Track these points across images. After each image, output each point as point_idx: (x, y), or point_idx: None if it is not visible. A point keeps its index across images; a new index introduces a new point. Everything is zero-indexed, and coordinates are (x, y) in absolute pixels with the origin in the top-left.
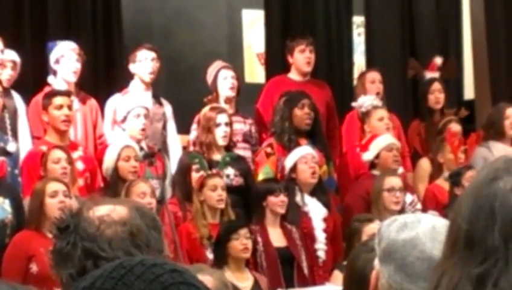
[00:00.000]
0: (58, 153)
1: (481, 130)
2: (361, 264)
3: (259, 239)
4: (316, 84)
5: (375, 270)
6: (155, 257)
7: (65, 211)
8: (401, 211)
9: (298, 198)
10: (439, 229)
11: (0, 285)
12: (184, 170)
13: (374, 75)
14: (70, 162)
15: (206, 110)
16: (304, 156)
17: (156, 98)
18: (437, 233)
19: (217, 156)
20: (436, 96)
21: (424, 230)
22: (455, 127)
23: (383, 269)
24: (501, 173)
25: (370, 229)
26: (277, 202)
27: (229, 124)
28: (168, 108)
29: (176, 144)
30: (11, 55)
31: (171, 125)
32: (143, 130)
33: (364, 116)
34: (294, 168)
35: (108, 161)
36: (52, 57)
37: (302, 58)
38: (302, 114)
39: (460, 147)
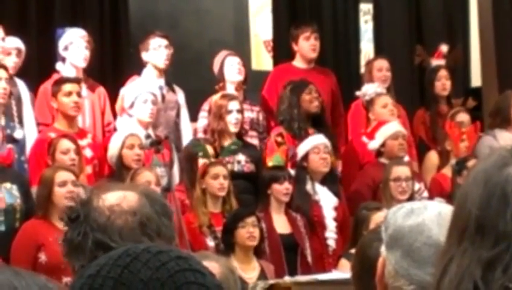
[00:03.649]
0: (66, 144)
1: (488, 117)
2: (373, 253)
3: (264, 226)
4: (321, 71)
5: (381, 257)
6: (165, 244)
7: (75, 200)
8: (410, 199)
9: (309, 187)
10: (445, 216)
11: (4, 271)
12: (191, 157)
13: (382, 63)
14: (79, 152)
15: (217, 97)
16: (316, 146)
17: (169, 85)
18: (443, 219)
19: (228, 143)
20: (443, 82)
21: (430, 216)
22: (463, 117)
23: (390, 256)
24: (509, 160)
25: (378, 217)
26: (281, 189)
27: (241, 111)
28: (180, 95)
29: (188, 131)
30: (15, 42)
31: (184, 113)
32: (151, 114)
33: (369, 104)
34: (306, 157)
35: (113, 149)
36: (61, 44)
37: (307, 45)
38: (310, 98)
39: (462, 137)
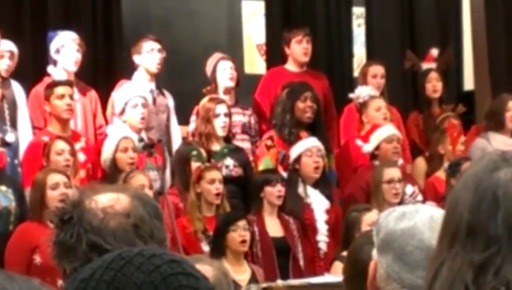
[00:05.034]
0: (61, 145)
1: (482, 121)
2: (364, 256)
3: (256, 229)
4: (313, 75)
5: (373, 261)
6: (158, 247)
7: (66, 201)
8: (401, 202)
9: (301, 189)
10: (437, 219)
11: None
12: (183, 160)
13: (377, 70)
14: (73, 153)
15: (205, 101)
16: (309, 149)
17: (159, 89)
18: (435, 223)
19: (215, 147)
20: (434, 84)
21: (422, 220)
22: (455, 122)
23: (381, 259)
24: (500, 164)
25: (369, 218)
26: (274, 192)
27: (228, 114)
28: (170, 99)
29: (177, 135)
30: (8, 45)
31: (173, 117)
32: (142, 118)
33: (362, 106)
34: (298, 159)
35: (106, 153)
36: (53, 47)
37: (299, 48)
38: (304, 107)
39: (460, 139)
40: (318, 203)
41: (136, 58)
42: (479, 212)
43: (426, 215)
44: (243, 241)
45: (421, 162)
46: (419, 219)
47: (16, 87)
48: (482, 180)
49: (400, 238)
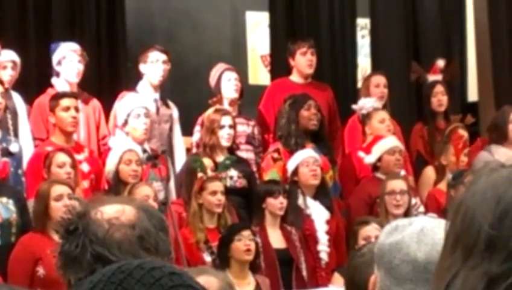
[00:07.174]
0: (62, 157)
1: (486, 133)
2: (353, 269)
3: (259, 240)
4: (318, 86)
5: (373, 275)
6: (163, 259)
7: (71, 212)
8: (406, 214)
9: (300, 201)
10: (427, 231)
11: (1, 288)
12: (190, 171)
13: (379, 79)
14: (74, 165)
15: (210, 112)
16: (305, 160)
17: (163, 100)
18: (424, 235)
19: (220, 158)
20: (439, 98)
21: (410, 233)
22: (462, 134)
23: (378, 274)
24: None
25: (365, 231)
26: (276, 203)
27: (233, 126)
28: (175, 110)
29: (180, 146)
30: (11, 55)
31: (177, 128)
32: (145, 129)
33: (365, 118)
34: (296, 171)
35: (110, 165)
36: (55, 59)
37: (303, 60)
38: (309, 114)
39: (464, 150)
40: (318, 214)
41: (142, 67)
42: (502, 227)
43: (417, 228)
44: (248, 250)
45: (430, 171)
46: (407, 232)
47: (16, 98)
48: (504, 193)
49: (388, 252)
